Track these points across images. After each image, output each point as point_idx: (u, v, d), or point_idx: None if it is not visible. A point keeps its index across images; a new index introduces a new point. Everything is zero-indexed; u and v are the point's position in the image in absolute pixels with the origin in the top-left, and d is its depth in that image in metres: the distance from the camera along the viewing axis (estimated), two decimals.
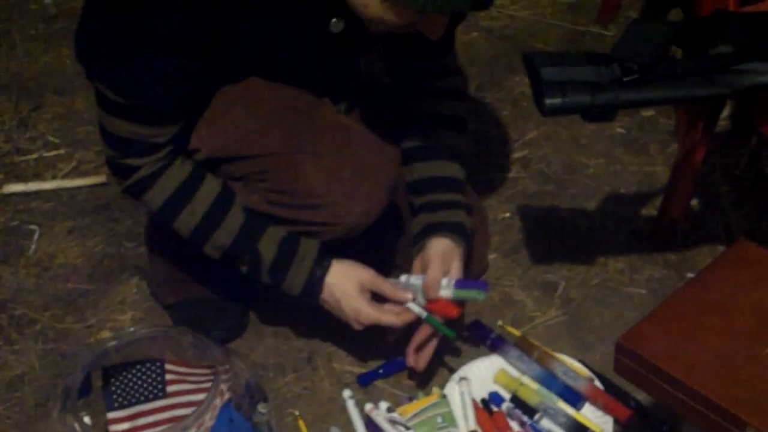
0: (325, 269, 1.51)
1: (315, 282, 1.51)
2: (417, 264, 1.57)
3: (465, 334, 1.65)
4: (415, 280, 1.54)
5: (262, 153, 1.46)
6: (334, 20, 1.42)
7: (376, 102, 1.64)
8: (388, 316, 1.51)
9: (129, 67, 1.36)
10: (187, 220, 1.48)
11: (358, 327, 1.53)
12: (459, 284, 1.52)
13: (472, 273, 1.75)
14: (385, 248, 1.70)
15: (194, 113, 1.46)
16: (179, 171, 1.46)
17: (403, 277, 1.55)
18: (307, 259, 1.50)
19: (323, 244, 1.52)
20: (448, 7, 1.25)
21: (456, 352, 1.65)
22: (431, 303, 1.52)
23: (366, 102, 1.61)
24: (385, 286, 1.53)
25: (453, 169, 1.59)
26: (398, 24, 1.30)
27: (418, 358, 1.57)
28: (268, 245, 1.49)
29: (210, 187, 1.47)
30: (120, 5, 1.32)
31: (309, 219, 1.48)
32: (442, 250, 1.54)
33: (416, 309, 1.52)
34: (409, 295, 1.53)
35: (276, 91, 1.47)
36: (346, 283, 1.51)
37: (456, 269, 1.54)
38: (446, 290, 1.52)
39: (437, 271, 1.52)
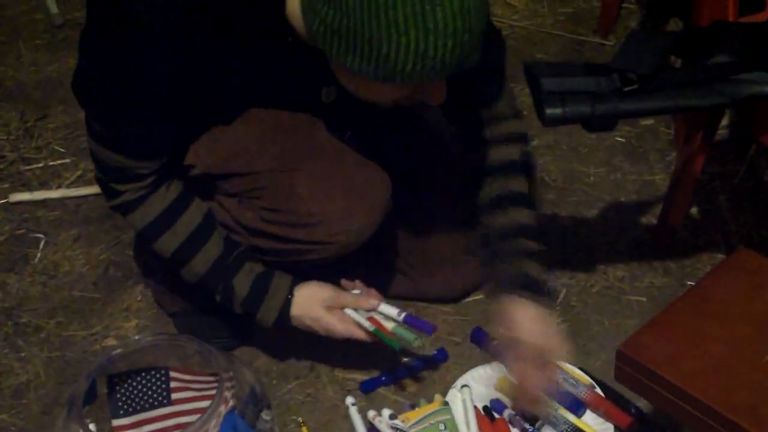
0: (289, 302, 1.53)
1: (284, 315, 1.53)
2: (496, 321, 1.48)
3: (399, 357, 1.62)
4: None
5: (256, 170, 1.48)
6: (324, 89, 1.43)
7: (380, 127, 1.62)
8: (358, 331, 1.52)
9: (115, 106, 1.38)
10: (165, 245, 1.51)
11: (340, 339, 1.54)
12: (409, 320, 1.52)
13: (473, 282, 1.76)
14: (381, 259, 1.72)
15: (184, 145, 1.48)
16: (162, 199, 1.48)
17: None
18: (278, 296, 1.53)
19: (296, 275, 1.54)
20: (423, 78, 1.22)
21: (458, 359, 1.66)
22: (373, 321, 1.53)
23: (368, 127, 1.62)
24: (347, 299, 1.54)
25: (527, 216, 1.53)
26: (391, 98, 1.30)
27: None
28: (242, 281, 1.52)
29: (190, 218, 1.50)
30: (107, 47, 1.32)
31: (302, 237, 1.49)
32: (534, 318, 1.44)
33: (365, 323, 1.51)
34: (375, 302, 1.54)
35: (272, 111, 1.48)
36: (311, 308, 1.53)
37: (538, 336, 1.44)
38: (390, 323, 1.52)
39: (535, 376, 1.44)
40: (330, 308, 1.53)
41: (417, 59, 1.19)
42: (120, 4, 1.27)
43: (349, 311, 1.54)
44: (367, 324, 1.51)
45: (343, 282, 1.60)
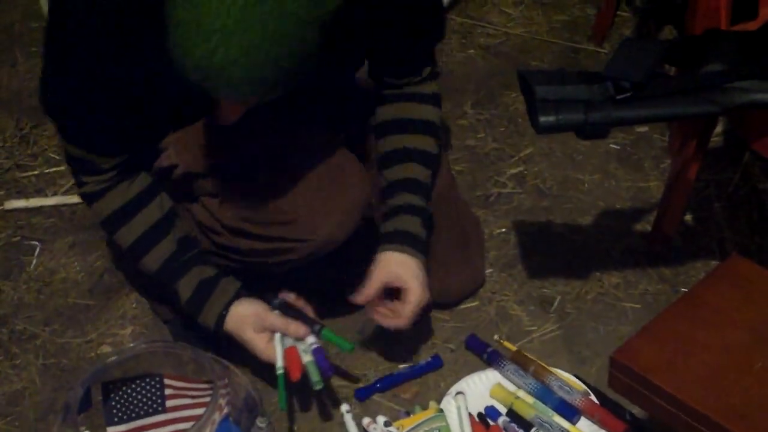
0: (223, 318, 1.53)
1: (220, 328, 1.54)
2: (370, 273, 1.56)
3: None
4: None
5: (233, 169, 1.49)
6: None
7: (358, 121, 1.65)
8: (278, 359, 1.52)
9: (64, 105, 1.42)
10: (122, 239, 1.55)
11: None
12: (316, 353, 1.51)
13: (468, 288, 1.77)
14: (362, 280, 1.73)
15: (151, 143, 1.50)
16: (122, 194, 1.51)
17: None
18: (213, 310, 1.54)
19: (243, 285, 1.55)
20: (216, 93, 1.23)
21: (452, 367, 1.66)
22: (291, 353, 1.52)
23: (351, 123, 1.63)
24: (275, 324, 1.53)
25: (420, 172, 1.59)
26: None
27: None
28: (185, 285, 1.54)
29: (147, 215, 1.52)
30: (51, 47, 1.37)
31: (280, 235, 1.50)
32: (392, 262, 1.54)
33: (278, 363, 1.50)
34: (302, 331, 1.52)
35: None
36: (240, 328, 1.54)
37: (416, 284, 1.54)
38: (306, 354, 1.52)
39: (378, 283, 1.53)
40: (259, 330, 1.53)
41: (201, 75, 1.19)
42: (59, 6, 1.32)
43: (276, 338, 1.53)
44: (279, 363, 1.50)
45: (281, 294, 1.58)
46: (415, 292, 1.53)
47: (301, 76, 1.22)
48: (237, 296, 1.54)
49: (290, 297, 1.58)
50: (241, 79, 1.17)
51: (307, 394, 1.65)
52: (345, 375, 1.65)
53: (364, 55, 1.54)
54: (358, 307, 1.72)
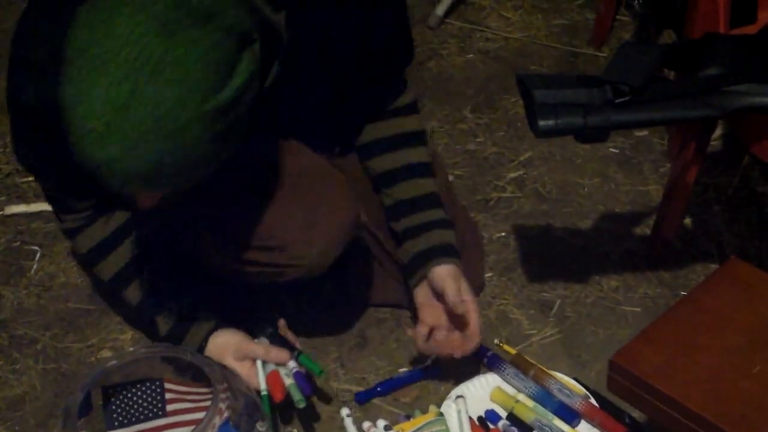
0: (202, 350, 1.55)
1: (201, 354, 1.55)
2: (421, 293, 1.57)
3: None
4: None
5: (221, 194, 1.47)
6: None
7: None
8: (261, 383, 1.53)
9: (30, 164, 1.47)
10: (101, 273, 1.59)
11: None
12: (297, 376, 1.52)
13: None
14: (360, 285, 1.73)
15: None
16: (99, 230, 1.53)
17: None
18: (195, 339, 1.55)
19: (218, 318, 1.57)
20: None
21: (453, 371, 1.66)
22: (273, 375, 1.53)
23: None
24: (256, 351, 1.54)
25: (429, 185, 1.60)
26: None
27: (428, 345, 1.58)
28: (163, 321, 1.57)
29: (123, 253, 1.55)
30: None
31: (270, 260, 1.50)
32: (452, 273, 1.55)
33: (262, 386, 1.52)
34: (284, 356, 1.53)
35: None
36: (222, 357, 1.54)
37: (465, 289, 1.56)
38: (288, 378, 1.52)
39: (455, 292, 1.53)
40: (240, 359, 1.54)
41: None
42: (7, 92, 1.32)
43: (258, 364, 1.53)
44: (262, 387, 1.51)
45: (280, 323, 1.61)
46: (473, 306, 1.55)
47: (213, 162, 1.16)
48: (215, 328, 1.56)
49: (280, 324, 1.60)
50: (126, 176, 1.11)
51: (307, 399, 1.65)
52: (325, 397, 1.65)
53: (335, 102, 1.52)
54: (350, 315, 1.73)
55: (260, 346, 1.54)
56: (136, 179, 1.11)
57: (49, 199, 1.57)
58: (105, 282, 1.59)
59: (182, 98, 1.06)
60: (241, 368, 1.53)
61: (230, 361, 1.53)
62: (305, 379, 1.52)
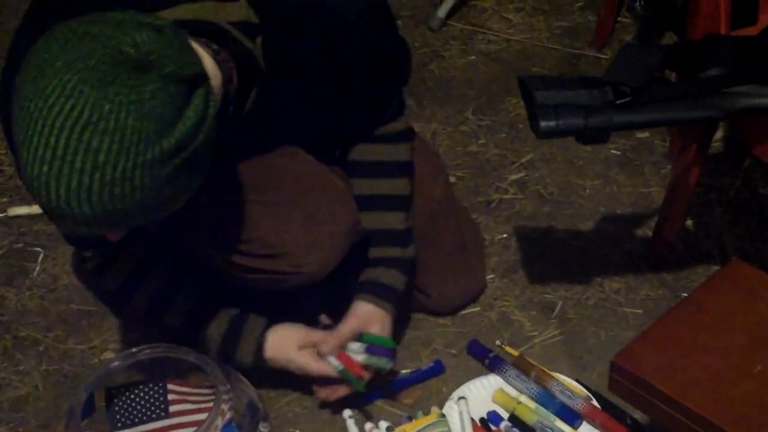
0: (261, 346, 1.55)
1: (259, 358, 1.56)
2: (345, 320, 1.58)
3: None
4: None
5: (221, 201, 1.48)
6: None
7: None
8: (331, 370, 1.54)
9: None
10: (139, 304, 1.60)
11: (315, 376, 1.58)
12: (370, 350, 1.54)
13: (469, 294, 1.77)
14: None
15: None
16: (128, 261, 1.55)
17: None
18: (250, 341, 1.56)
19: (269, 319, 1.58)
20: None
21: (454, 372, 1.67)
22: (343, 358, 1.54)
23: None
24: (317, 337, 1.56)
25: (396, 220, 1.60)
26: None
27: (328, 391, 1.59)
28: (214, 331, 1.56)
29: (154, 278, 1.57)
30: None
31: (269, 268, 1.50)
32: (364, 312, 1.56)
33: (334, 362, 1.53)
34: (343, 339, 1.55)
35: None
36: (284, 350, 1.55)
37: (377, 331, 1.56)
38: (359, 355, 1.54)
39: (346, 330, 1.54)
40: (302, 347, 1.55)
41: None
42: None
43: (329, 357, 1.54)
44: (336, 363, 1.53)
45: (321, 317, 1.64)
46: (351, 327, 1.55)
47: (173, 201, 1.16)
48: (268, 325, 1.57)
49: (322, 318, 1.64)
50: (75, 220, 1.11)
51: (309, 400, 1.65)
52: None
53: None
54: None
55: (320, 333, 1.57)
56: (85, 223, 1.12)
57: (67, 239, 1.61)
58: (144, 311, 1.61)
59: (120, 148, 1.07)
60: (308, 356, 1.54)
61: (292, 353, 1.54)
62: (379, 348, 1.54)
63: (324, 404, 1.63)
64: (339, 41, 1.39)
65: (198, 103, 1.12)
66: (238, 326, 1.56)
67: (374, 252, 1.60)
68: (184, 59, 1.11)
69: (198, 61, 1.14)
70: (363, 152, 1.60)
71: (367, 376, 1.54)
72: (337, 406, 1.62)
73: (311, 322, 1.63)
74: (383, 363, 1.54)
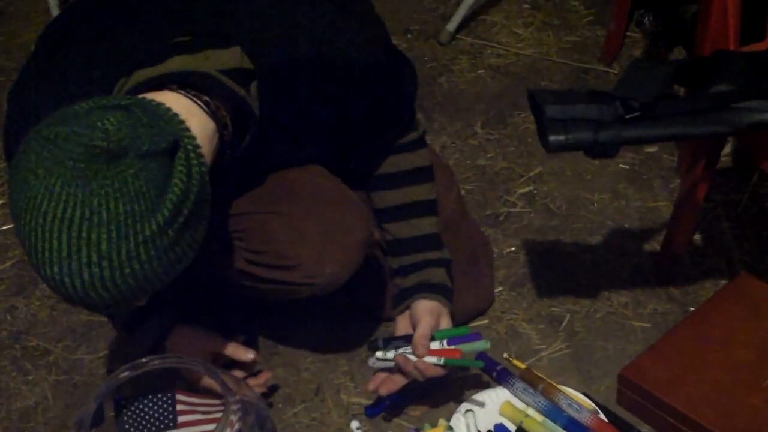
0: (165, 333, 1.58)
1: (158, 345, 1.58)
2: (402, 323, 1.60)
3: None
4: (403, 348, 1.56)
5: (236, 212, 1.50)
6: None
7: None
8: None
9: None
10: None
11: None
12: (452, 342, 1.55)
13: (478, 307, 1.78)
14: (371, 299, 1.74)
15: None
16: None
17: (389, 353, 1.56)
18: (154, 327, 1.58)
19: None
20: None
21: (462, 384, 1.67)
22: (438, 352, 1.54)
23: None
24: (219, 348, 1.58)
25: (429, 225, 1.62)
26: None
27: (389, 384, 1.58)
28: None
29: None
30: None
31: (283, 279, 1.51)
32: (430, 309, 1.57)
33: (433, 359, 1.53)
34: (250, 355, 1.58)
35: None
36: (185, 349, 1.57)
37: (446, 325, 1.58)
38: (438, 346, 1.55)
39: (426, 328, 1.55)
40: (203, 354, 1.57)
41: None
42: None
43: (380, 355, 1.55)
44: (436, 359, 1.53)
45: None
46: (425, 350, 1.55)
47: (183, 260, 1.19)
48: (180, 320, 1.60)
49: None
50: (102, 305, 1.16)
51: (317, 411, 1.65)
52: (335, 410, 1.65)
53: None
54: (361, 329, 1.74)
55: (224, 343, 1.58)
56: (111, 306, 1.16)
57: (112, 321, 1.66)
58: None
59: (119, 234, 1.11)
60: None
61: (193, 354, 1.55)
62: (461, 337, 1.55)
63: (331, 416, 1.63)
64: (338, 84, 1.40)
65: (181, 169, 1.14)
66: (149, 310, 1.56)
67: (417, 257, 1.61)
68: (156, 132, 1.13)
69: (174, 127, 1.16)
70: (385, 165, 1.61)
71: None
72: (346, 418, 1.62)
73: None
74: (480, 345, 1.55)
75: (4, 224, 2.05)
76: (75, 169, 1.09)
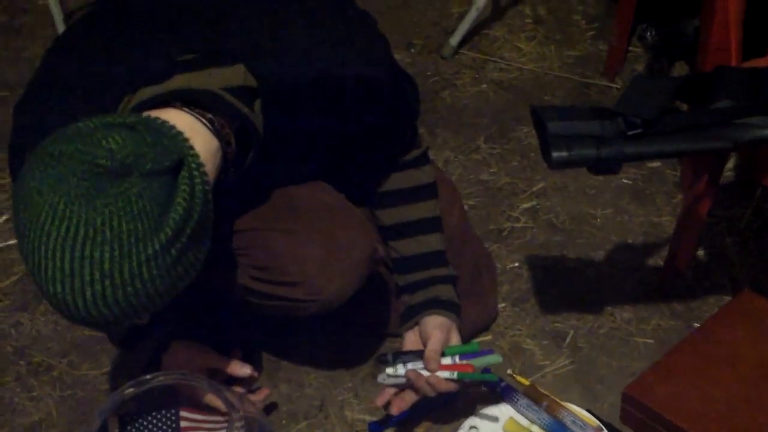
0: (160, 348, 1.59)
1: (155, 360, 1.59)
2: (410, 338, 1.60)
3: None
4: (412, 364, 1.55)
5: (240, 229, 1.50)
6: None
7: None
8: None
9: None
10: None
11: None
12: (464, 358, 1.55)
13: (481, 322, 1.78)
14: (375, 315, 1.74)
15: None
16: None
17: (399, 368, 1.55)
18: (150, 343, 1.59)
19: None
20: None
21: (465, 401, 1.67)
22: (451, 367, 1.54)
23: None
24: (213, 362, 1.58)
25: (435, 242, 1.62)
26: None
27: (399, 403, 1.57)
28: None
29: None
30: None
31: (287, 295, 1.51)
32: (440, 324, 1.57)
33: (446, 374, 1.53)
34: (247, 370, 1.58)
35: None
36: (179, 364, 1.57)
37: (456, 341, 1.58)
38: (451, 361, 1.55)
39: (438, 343, 1.54)
40: (198, 369, 1.57)
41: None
42: None
43: (390, 371, 1.54)
44: (449, 374, 1.52)
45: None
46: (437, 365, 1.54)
47: (190, 274, 1.20)
48: (175, 336, 1.60)
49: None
50: (103, 322, 1.16)
51: (321, 428, 1.65)
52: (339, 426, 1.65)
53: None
54: (365, 345, 1.74)
55: (218, 358, 1.59)
56: (112, 323, 1.17)
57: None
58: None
59: (121, 252, 1.11)
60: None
61: (190, 369, 1.55)
62: (471, 354, 1.55)
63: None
64: (341, 102, 1.41)
65: (184, 188, 1.15)
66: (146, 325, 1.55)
67: (424, 274, 1.61)
68: (160, 151, 1.14)
69: (178, 145, 1.16)
70: (389, 182, 1.61)
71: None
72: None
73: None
74: (492, 359, 1.54)
75: (8, 239, 2.05)
76: (79, 188, 1.10)
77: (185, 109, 1.23)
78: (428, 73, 2.41)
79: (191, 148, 1.18)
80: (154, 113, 1.21)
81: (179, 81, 1.27)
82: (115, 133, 1.12)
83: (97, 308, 1.13)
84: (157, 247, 1.12)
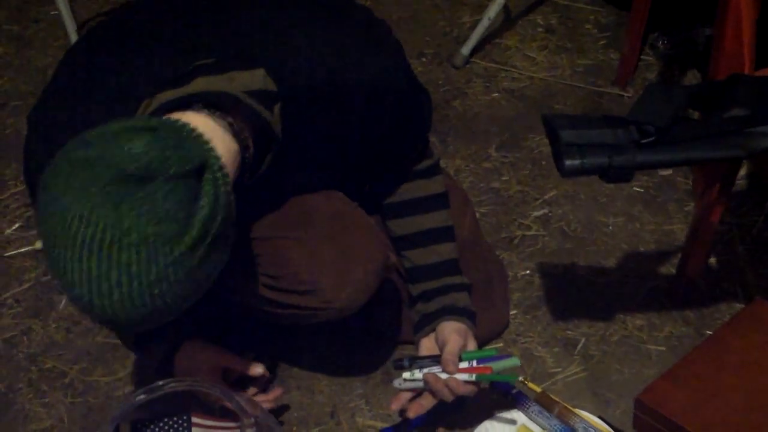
0: (173, 351, 1.59)
1: (168, 362, 1.59)
2: (426, 344, 1.60)
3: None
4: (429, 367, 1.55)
5: (254, 237, 1.51)
6: None
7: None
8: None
9: None
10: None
11: None
12: (480, 363, 1.54)
13: (493, 330, 1.78)
14: (386, 322, 1.74)
15: None
16: None
17: (416, 372, 1.55)
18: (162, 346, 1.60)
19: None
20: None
21: (477, 408, 1.67)
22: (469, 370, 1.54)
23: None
24: (226, 362, 1.59)
25: (448, 251, 1.63)
26: None
27: (416, 407, 1.58)
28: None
29: None
30: None
31: (300, 303, 1.51)
32: (457, 329, 1.57)
33: (464, 376, 1.52)
34: (260, 369, 1.59)
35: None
36: (191, 367, 1.58)
37: (473, 347, 1.58)
38: (468, 365, 1.54)
39: (456, 346, 1.54)
40: (212, 370, 1.58)
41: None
42: None
43: (407, 375, 1.55)
44: (467, 376, 1.52)
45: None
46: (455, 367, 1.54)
47: (210, 276, 1.20)
48: (189, 336, 1.61)
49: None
50: (130, 324, 1.17)
51: None
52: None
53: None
54: (376, 352, 1.74)
55: (233, 357, 1.60)
56: (139, 325, 1.17)
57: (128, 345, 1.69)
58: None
59: (148, 255, 1.11)
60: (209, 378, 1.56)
61: (201, 373, 1.56)
62: (489, 358, 1.54)
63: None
64: (358, 109, 1.41)
65: (209, 189, 1.15)
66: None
67: (438, 283, 1.62)
68: (184, 154, 1.13)
69: (200, 148, 1.16)
70: (401, 192, 1.62)
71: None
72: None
73: None
74: (510, 362, 1.53)
75: (20, 247, 2.06)
76: (104, 192, 1.10)
77: (205, 111, 1.24)
78: (439, 82, 2.41)
79: (213, 150, 1.18)
80: (174, 116, 1.22)
81: (199, 84, 1.27)
82: (137, 137, 1.12)
83: (125, 311, 1.13)
84: (183, 248, 1.12)
